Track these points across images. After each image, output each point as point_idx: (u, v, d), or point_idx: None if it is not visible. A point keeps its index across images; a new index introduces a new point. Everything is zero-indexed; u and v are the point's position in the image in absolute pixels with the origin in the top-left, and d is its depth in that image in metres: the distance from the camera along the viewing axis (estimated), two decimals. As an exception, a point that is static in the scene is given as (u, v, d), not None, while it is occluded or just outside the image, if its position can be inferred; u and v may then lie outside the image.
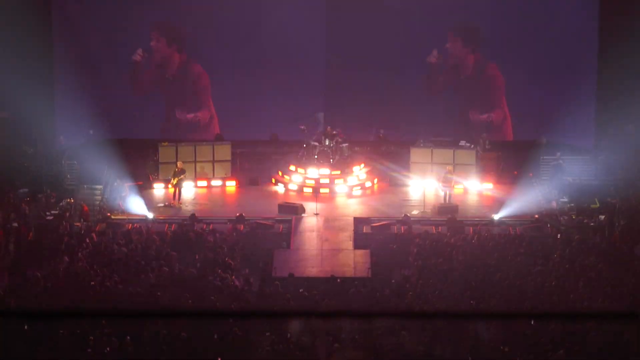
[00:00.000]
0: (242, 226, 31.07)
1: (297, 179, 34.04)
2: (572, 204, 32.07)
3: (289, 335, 24.82)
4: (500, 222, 31.54)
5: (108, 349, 24.51)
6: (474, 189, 34.01)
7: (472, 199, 33.78)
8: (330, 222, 31.91)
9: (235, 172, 34.65)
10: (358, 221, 31.55)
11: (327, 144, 34.26)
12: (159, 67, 37.24)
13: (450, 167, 33.15)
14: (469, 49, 37.24)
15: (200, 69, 37.26)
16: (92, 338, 24.66)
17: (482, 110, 37.06)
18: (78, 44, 35.78)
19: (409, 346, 24.77)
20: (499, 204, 32.67)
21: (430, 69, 37.00)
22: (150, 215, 31.95)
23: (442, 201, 32.70)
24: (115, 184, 33.44)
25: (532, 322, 24.91)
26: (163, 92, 37.38)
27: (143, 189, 33.76)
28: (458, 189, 33.30)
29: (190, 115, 37.32)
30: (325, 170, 33.97)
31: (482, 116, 37.07)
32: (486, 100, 37.22)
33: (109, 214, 31.84)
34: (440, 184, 32.91)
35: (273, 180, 34.30)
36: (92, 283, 27.29)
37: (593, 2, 35.55)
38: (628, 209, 31.02)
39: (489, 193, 33.96)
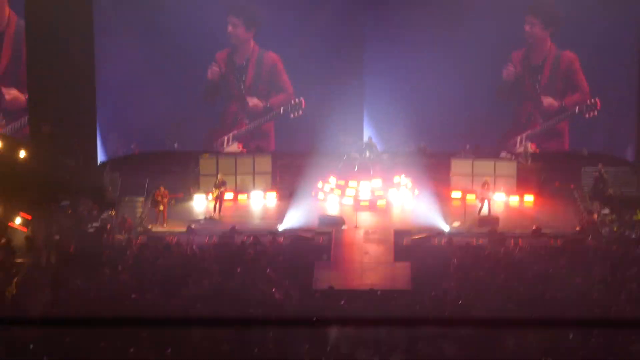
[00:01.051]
0: (282, 238, 30.98)
1: (337, 192, 34.01)
2: (614, 216, 31.87)
3: (328, 346, 24.92)
4: (542, 234, 31.19)
5: None
6: (514, 200, 33.84)
7: (513, 211, 33.66)
8: (371, 235, 31.79)
9: (275, 184, 34.56)
10: (398, 233, 31.39)
11: (367, 155, 34.26)
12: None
13: (488, 178, 33.11)
14: (547, 32, 36.77)
15: (275, 57, 37.15)
16: (132, 350, 24.81)
17: (557, 96, 36.77)
18: (120, 59, 35.75)
19: (449, 354, 24.97)
20: (539, 217, 32.59)
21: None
22: (191, 227, 32.05)
23: (479, 213, 32.60)
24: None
25: (571, 336, 24.98)
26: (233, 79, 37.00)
27: (184, 201, 33.76)
28: (496, 201, 33.09)
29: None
30: (366, 182, 33.81)
31: (556, 102, 36.63)
32: (564, 85, 37.04)
33: (150, 227, 31.88)
34: (478, 196, 32.88)
35: (313, 193, 34.13)
36: (133, 296, 27.37)
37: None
38: None
39: (530, 205, 33.73)
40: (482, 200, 32.80)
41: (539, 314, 26.49)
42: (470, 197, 33.63)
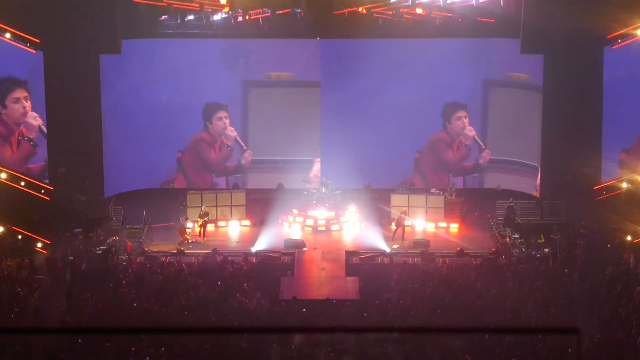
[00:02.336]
0: (254, 258, 31.29)
1: (299, 220, 34.11)
2: (522, 240, 32.37)
3: (292, 347, 25.08)
4: (464, 254, 31.51)
5: (147, 358, 24.70)
6: (442, 227, 34.02)
7: (441, 236, 33.68)
8: (326, 254, 32.01)
9: (249, 214, 34.71)
10: (348, 253, 31.71)
11: (324, 191, 34.48)
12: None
13: (404, 209, 33.44)
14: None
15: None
16: (133, 349, 24.89)
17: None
18: (121, 114, 35.82)
19: (391, 356, 24.96)
20: (462, 240, 32.84)
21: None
22: (180, 249, 32.06)
23: (393, 236, 32.88)
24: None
25: (487, 336, 25.25)
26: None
27: (174, 228, 33.75)
28: (407, 227, 33.22)
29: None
30: (323, 212, 34.01)
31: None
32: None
33: (147, 249, 31.96)
34: (395, 222, 33.19)
35: (279, 221, 34.29)
36: (135, 304, 27.62)
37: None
38: (567, 244, 31.29)
39: (455, 231, 33.94)
40: (398, 225, 33.12)
41: (462, 319, 26.79)
42: (406, 224, 33.55)
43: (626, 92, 33.41)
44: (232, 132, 36.68)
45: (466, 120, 36.44)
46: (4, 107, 33.44)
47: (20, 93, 33.39)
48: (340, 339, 24.89)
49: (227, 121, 36.62)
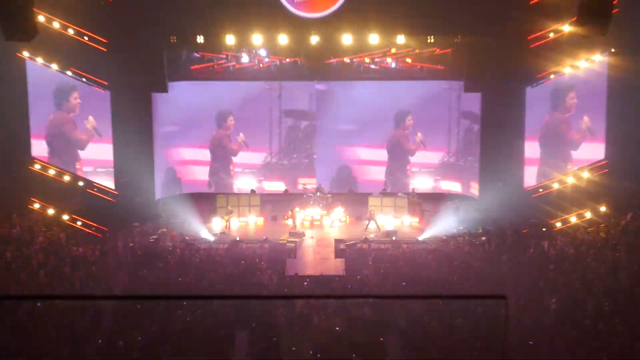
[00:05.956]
0: (267, 245, 31.27)
1: (301, 216, 34.03)
2: (466, 230, 32.24)
3: (295, 310, 25.29)
4: (422, 242, 31.52)
5: (188, 318, 24.75)
6: (406, 221, 33.87)
7: (405, 228, 33.60)
8: (320, 242, 32.02)
9: (263, 212, 34.67)
10: (337, 241, 31.73)
11: (318, 195, 34.56)
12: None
13: (372, 208, 33.26)
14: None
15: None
16: (179, 312, 24.88)
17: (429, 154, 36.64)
18: (169, 136, 35.63)
19: (368, 315, 25.24)
20: (421, 231, 32.76)
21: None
22: (212, 239, 32.09)
23: (366, 228, 32.66)
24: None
25: (441, 302, 25.30)
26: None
27: (207, 222, 33.71)
28: (378, 223, 33.03)
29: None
30: (317, 211, 34.03)
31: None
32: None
33: (187, 238, 31.82)
34: (368, 218, 33.12)
35: (285, 217, 34.29)
36: (180, 279, 27.72)
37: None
38: (499, 234, 31.18)
39: (416, 225, 33.89)
40: (369, 220, 32.96)
41: (420, 289, 26.81)
42: (380, 220, 33.36)
43: (540, 119, 33.32)
44: (240, 138, 36.52)
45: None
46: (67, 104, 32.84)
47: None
48: (330, 304, 25.08)
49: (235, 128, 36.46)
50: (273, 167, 36.87)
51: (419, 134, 35.98)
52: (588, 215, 31.47)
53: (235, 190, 36.32)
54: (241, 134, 36.29)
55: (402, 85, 35.43)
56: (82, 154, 33.28)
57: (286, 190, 36.64)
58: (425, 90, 35.64)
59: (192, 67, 34.54)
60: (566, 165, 33.23)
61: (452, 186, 36.30)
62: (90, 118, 32.66)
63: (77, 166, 33.13)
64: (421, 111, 35.86)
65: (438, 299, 26.55)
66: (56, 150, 32.92)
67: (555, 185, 32.55)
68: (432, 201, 35.11)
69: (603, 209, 31.62)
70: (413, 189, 35.49)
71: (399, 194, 34.85)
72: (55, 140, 32.88)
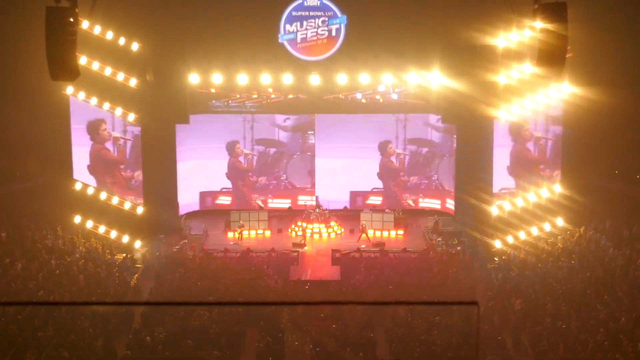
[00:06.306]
0: (274, 253, 31.08)
1: (302, 229, 33.90)
2: (443, 241, 32.22)
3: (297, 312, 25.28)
4: (407, 251, 31.35)
5: (205, 318, 24.76)
6: (393, 234, 33.69)
7: (392, 239, 33.45)
8: (319, 251, 31.90)
9: (270, 225, 34.52)
10: (333, 251, 31.54)
11: (317, 211, 34.43)
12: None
13: (364, 223, 33.15)
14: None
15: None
16: (198, 312, 24.89)
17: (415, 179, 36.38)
18: (190, 162, 35.44)
19: (358, 316, 25.14)
20: (405, 242, 32.67)
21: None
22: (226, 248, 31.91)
23: (358, 239, 32.52)
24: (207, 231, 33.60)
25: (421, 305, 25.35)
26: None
27: (222, 234, 33.67)
28: (369, 235, 33.00)
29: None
30: (316, 224, 33.90)
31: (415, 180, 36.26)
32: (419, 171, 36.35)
33: (205, 248, 31.76)
34: (360, 231, 33.08)
35: (289, 230, 34.15)
36: (199, 283, 27.58)
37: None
38: (472, 245, 31.12)
39: (401, 236, 33.80)
40: (361, 232, 32.90)
41: (405, 292, 26.59)
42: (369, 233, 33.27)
43: (505, 147, 33.21)
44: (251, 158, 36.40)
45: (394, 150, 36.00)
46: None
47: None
48: (326, 307, 25.08)
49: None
50: (280, 186, 36.90)
51: (398, 153, 35.91)
52: (547, 227, 31.46)
53: (254, 204, 36.13)
54: (245, 151, 36.09)
55: (388, 117, 35.54)
56: (120, 173, 33.02)
57: (290, 207, 36.57)
58: (407, 120, 35.77)
59: (211, 102, 34.52)
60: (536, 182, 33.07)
61: (432, 203, 36.12)
62: (113, 133, 32.67)
63: (111, 181, 32.89)
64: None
65: (419, 304, 26.45)
66: (99, 172, 32.76)
67: (519, 202, 32.53)
68: (414, 216, 35.00)
69: (560, 222, 31.66)
70: (398, 209, 35.02)
71: (387, 210, 34.77)
72: (97, 166, 32.80)
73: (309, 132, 36.15)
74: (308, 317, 24.66)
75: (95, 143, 32.41)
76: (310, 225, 33.73)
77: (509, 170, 32.58)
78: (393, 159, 36.14)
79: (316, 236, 33.41)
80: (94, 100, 31.68)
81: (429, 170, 36.10)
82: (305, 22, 31.73)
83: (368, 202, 36.12)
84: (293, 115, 35.72)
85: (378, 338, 24.21)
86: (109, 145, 32.31)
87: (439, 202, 36.06)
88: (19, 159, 34.37)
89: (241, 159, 36.39)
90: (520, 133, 32.18)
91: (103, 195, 32.42)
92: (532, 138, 32.36)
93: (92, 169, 32.58)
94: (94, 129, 32.20)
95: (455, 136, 34.48)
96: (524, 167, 32.47)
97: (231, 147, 36.41)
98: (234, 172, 36.52)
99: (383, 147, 36.20)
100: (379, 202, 36.21)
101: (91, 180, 32.62)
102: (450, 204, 35.24)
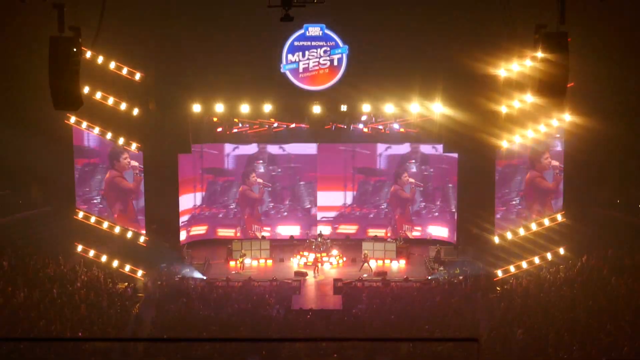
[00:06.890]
0: (276, 282, 31.05)
1: (304, 258, 33.81)
2: (445, 271, 32.07)
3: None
4: (409, 280, 31.23)
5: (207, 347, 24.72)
6: (395, 264, 33.49)
7: (394, 268, 33.31)
8: (321, 280, 31.87)
9: (272, 255, 34.41)
10: (335, 280, 31.53)
11: (319, 240, 34.40)
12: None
13: (366, 252, 33.09)
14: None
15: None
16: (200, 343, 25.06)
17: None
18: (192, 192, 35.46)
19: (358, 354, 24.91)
20: (409, 272, 32.49)
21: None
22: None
23: (360, 269, 32.38)
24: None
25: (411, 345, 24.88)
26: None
27: (224, 263, 33.60)
28: (370, 264, 32.81)
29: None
30: (318, 254, 33.77)
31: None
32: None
33: (206, 277, 31.74)
34: (362, 260, 32.87)
35: (291, 259, 34.06)
36: (201, 313, 27.53)
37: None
38: (474, 276, 30.61)
39: (403, 266, 33.60)
40: (364, 261, 32.75)
41: (406, 322, 26.50)
42: (371, 263, 33.17)
43: (509, 176, 33.11)
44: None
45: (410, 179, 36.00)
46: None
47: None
48: (330, 345, 24.88)
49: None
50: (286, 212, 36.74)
51: (412, 182, 35.78)
52: (549, 257, 31.34)
53: (260, 235, 35.88)
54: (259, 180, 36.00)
55: (390, 148, 35.56)
56: (132, 202, 32.98)
57: (292, 237, 36.50)
58: (410, 150, 35.61)
59: (214, 132, 34.53)
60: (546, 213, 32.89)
61: (438, 231, 35.72)
62: (132, 162, 32.60)
63: (121, 209, 32.84)
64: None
65: (419, 340, 26.72)
66: (111, 199, 32.70)
67: (522, 231, 32.46)
68: (416, 246, 34.88)
69: (562, 251, 31.60)
70: (399, 237, 35.00)
71: (389, 240, 34.74)
72: (111, 193, 32.73)
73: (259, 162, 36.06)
74: (309, 349, 24.67)
75: (113, 170, 32.49)
76: (317, 255, 33.46)
77: (521, 195, 32.50)
78: (406, 188, 36.19)
79: (318, 265, 33.13)
80: (96, 130, 31.83)
81: (429, 199, 36.12)
82: (307, 52, 31.98)
83: (370, 232, 36.00)
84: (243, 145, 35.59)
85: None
86: (127, 174, 32.44)
87: (445, 229, 35.73)
88: (21, 188, 34.37)
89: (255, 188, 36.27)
90: (540, 160, 32.22)
91: (105, 225, 32.37)
92: (550, 167, 32.37)
93: (105, 194, 32.60)
94: (115, 156, 32.37)
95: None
96: (538, 196, 32.34)
97: (246, 175, 36.07)
98: (242, 199, 36.33)
99: (397, 175, 36.15)
100: (353, 231, 36.07)
101: (100, 209, 32.60)
102: (448, 232, 35.18)
